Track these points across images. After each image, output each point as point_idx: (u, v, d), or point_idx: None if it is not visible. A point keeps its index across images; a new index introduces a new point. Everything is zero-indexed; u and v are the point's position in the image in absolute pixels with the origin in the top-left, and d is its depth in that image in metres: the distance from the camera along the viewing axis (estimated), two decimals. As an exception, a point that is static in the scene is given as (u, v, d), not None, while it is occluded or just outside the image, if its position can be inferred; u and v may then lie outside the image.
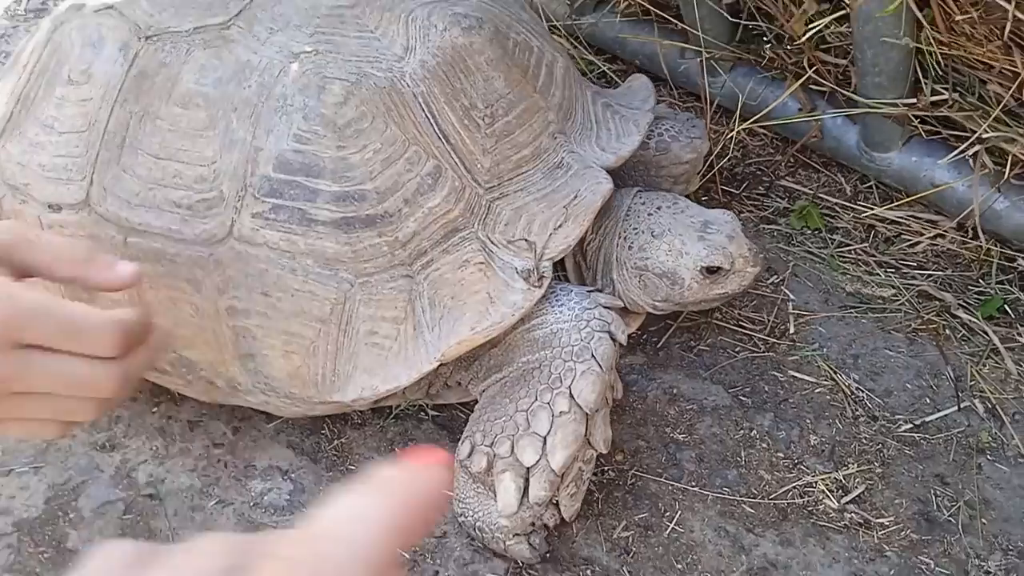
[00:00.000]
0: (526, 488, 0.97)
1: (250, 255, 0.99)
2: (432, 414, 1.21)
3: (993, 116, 1.23)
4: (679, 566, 1.04)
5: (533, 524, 1.00)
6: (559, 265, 1.19)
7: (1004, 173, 1.28)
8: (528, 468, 0.96)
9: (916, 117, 1.32)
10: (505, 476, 0.96)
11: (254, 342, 1.02)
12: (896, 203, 1.43)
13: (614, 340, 1.02)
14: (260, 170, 0.97)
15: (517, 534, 1.00)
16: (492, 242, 1.02)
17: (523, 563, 1.03)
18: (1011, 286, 1.35)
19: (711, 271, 1.11)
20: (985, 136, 1.23)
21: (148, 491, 1.15)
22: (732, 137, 1.50)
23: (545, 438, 0.96)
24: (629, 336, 1.30)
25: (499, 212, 1.03)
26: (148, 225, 1.01)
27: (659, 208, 1.17)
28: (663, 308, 1.17)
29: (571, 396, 0.97)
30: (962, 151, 1.29)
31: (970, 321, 1.31)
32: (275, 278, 0.98)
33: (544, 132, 1.08)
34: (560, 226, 1.03)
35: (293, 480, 1.16)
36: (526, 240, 1.02)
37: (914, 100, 1.30)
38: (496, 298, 1.00)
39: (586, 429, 0.98)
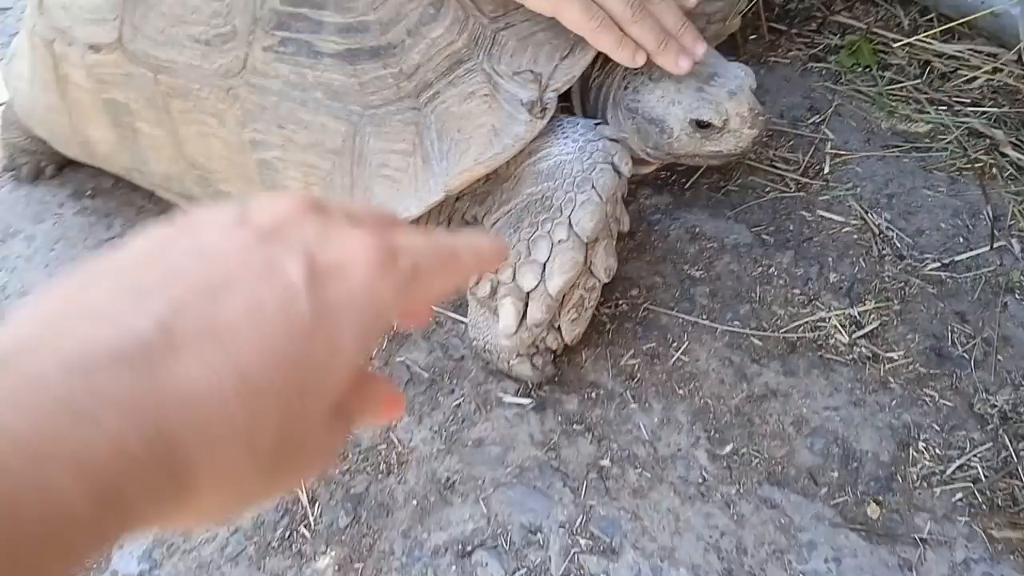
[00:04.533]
0: (526, 311, 1.01)
1: (264, 88, 1.03)
2: (458, 250, 1.26)
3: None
4: (680, 391, 1.08)
5: (537, 346, 1.05)
6: (567, 101, 1.19)
7: (1068, -3, 1.19)
8: (528, 293, 1.00)
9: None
10: (506, 300, 1.01)
11: (276, 174, 1.08)
12: (957, 38, 1.34)
13: (618, 171, 1.03)
14: (268, 3, 1.01)
15: (520, 354, 1.05)
16: (497, 73, 1.03)
17: (532, 384, 1.08)
18: (1070, 122, 1.27)
19: (702, 125, 1.08)
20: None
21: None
22: (775, -33, 1.42)
23: (544, 265, 1.00)
24: (655, 176, 1.31)
25: (504, 43, 1.03)
26: (173, 61, 1.07)
27: None
28: (656, 156, 1.15)
29: (570, 225, 1.00)
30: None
31: (1019, 159, 1.25)
32: (288, 111, 1.03)
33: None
34: (566, 56, 1.03)
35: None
36: (531, 71, 1.02)
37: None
38: (500, 130, 1.02)
39: (586, 257, 1.01)
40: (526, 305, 1.01)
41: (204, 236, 0.35)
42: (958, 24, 1.33)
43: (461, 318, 1.15)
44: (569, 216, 1.00)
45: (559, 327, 1.05)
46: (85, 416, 0.28)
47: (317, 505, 0.96)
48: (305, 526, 0.96)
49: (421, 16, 1.00)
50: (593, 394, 1.09)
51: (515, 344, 1.03)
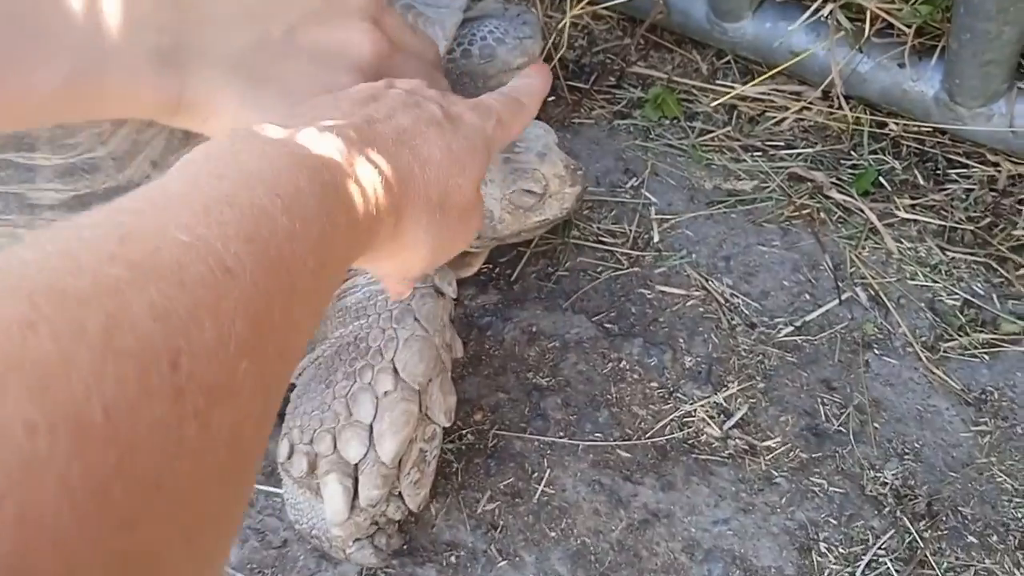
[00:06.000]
0: (357, 488, 0.82)
1: (-34, 260, 0.78)
2: (260, 398, 1.04)
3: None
4: (552, 534, 0.92)
5: (377, 523, 0.86)
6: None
7: (864, 31, 1.15)
8: (356, 465, 0.81)
9: (764, -22, 1.17)
10: (330, 478, 0.81)
11: None
12: (757, 79, 1.29)
13: (441, 293, 0.86)
14: (-45, 152, 0.76)
15: (358, 539, 0.85)
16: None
17: (377, 564, 0.89)
18: (885, 155, 1.24)
19: (523, 197, 0.94)
20: (838, -9, 1.09)
21: None
22: (566, 24, 1.32)
23: (371, 425, 0.81)
24: (479, 273, 1.15)
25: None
26: None
27: None
28: (480, 245, 1.00)
29: (395, 371, 0.82)
30: (815, 11, 1.14)
31: (845, 201, 1.20)
32: (2, 285, 0.78)
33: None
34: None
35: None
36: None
37: (760, -41, 1.15)
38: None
39: (420, 405, 0.84)
40: (356, 480, 0.82)
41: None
42: (766, 71, 1.27)
43: (275, 490, 0.94)
44: (392, 360, 0.83)
45: (400, 493, 0.86)
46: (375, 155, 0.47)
47: None
48: None
49: (168, 142, 0.79)
50: (452, 558, 0.91)
51: (349, 531, 0.83)
